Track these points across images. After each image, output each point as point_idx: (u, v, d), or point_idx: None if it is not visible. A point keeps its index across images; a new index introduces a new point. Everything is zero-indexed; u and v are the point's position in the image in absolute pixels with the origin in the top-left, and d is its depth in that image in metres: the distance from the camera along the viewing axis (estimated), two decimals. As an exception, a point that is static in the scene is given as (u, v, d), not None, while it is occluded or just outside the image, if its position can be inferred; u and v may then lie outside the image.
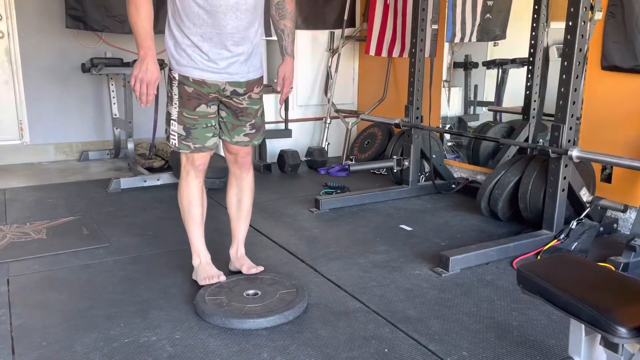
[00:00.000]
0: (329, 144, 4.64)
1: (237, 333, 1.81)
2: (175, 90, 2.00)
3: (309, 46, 4.67)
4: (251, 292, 2.04)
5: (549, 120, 2.84)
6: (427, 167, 3.66)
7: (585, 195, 2.65)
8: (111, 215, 3.12)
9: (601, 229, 2.72)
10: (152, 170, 4.15)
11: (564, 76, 2.45)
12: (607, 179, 2.88)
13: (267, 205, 3.30)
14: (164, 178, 3.82)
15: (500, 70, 4.70)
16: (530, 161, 2.82)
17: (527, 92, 3.95)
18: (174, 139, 2.05)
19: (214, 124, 2.08)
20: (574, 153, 2.41)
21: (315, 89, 4.77)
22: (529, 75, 3.95)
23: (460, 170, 3.83)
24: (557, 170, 2.52)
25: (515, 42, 4.67)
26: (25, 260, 2.42)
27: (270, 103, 4.52)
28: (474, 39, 4.39)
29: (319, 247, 2.62)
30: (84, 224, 2.91)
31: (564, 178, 2.54)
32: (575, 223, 2.58)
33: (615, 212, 2.75)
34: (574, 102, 2.46)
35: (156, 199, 3.48)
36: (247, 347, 1.72)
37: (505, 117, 4.62)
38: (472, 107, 4.94)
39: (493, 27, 4.70)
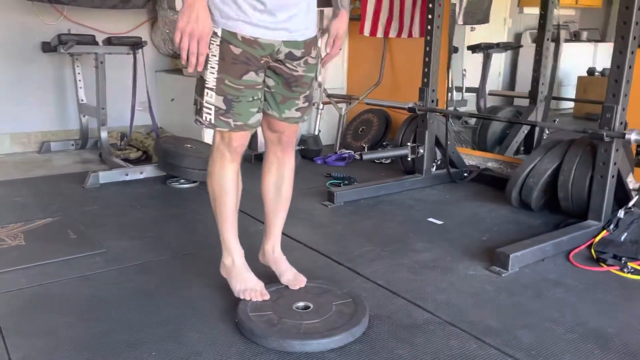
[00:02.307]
0: (320, 131, 4.32)
1: (298, 357, 1.49)
2: (216, 49, 1.58)
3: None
4: (301, 304, 1.71)
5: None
6: (438, 155, 3.41)
7: (632, 182, 2.48)
8: (96, 215, 2.69)
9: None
10: (128, 162, 3.70)
11: (620, 52, 2.24)
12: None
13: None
14: (148, 171, 3.39)
15: (485, 54, 4.54)
16: (569, 146, 2.62)
17: (535, 75, 3.79)
18: (209, 114, 1.63)
19: (260, 96, 1.67)
20: (633, 136, 2.22)
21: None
22: (537, 58, 3.78)
23: (469, 157, 3.61)
24: (609, 156, 2.33)
25: (491, 27, 4.54)
26: (6, 273, 1.99)
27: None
28: (460, 21, 4.20)
29: (351, 245, 2.31)
30: (67, 227, 2.48)
31: (614, 164, 2.35)
32: (623, 212, 2.40)
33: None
34: (627, 81, 2.26)
35: (143, 195, 3.07)
36: (320, 377, 1.41)
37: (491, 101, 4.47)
38: (452, 93, 4.73)
39: (477, 10, 4.54)
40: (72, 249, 2.21)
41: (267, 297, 1.75)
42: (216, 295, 1.85)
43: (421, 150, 3.16)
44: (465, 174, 3.35)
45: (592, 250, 2.25)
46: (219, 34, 1.57)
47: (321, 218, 2.69)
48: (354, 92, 4.38)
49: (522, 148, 3.79)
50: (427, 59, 3.12)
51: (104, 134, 3.71)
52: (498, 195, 3.01)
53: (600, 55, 5.07)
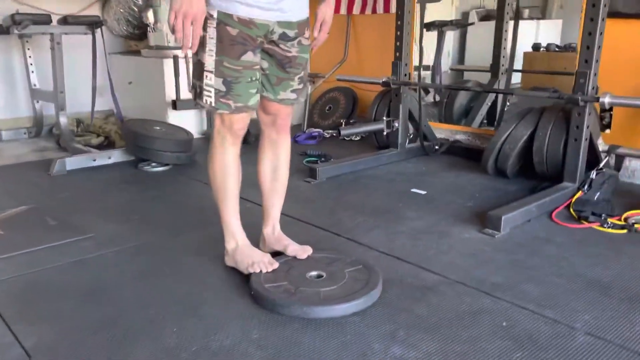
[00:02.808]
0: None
1: (323, 324, 1.49)
2: (213, 32, 1.58)
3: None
4: (314, 273, 1.71)
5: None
6: (410, 129, 3.47)
7: (601, 144, 2.62)
8: (72, 202, 2.57)
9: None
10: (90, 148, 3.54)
11: (591, 19, 2.35)
12: (606, 127, 2.88)
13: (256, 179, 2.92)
14: (116, 155, 3.27)
15: (439, 32, 4.64)
16: (542, 113, 2.73)
17: (496, 50, 3.92)
18: (209, 96, 1.63)
19: (258, 77, 1.68)
20: (606, 99, 2.34)
21: (267, 52, 4.37)
22: (497, 34, 3.90)
23: (438, 131, 3.69)
24: (583, 119, 2.45)
25: (440, 6, 4.65)
26: (-9, 263, 1.88)
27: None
28: (415, -1, 4.27)
29: (344, 218, 2.33)
30: (44, 214, 2.35)
31: (587, 127, 2.47)
32: (595, 173, 2.53)
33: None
34: (599, 47, 2.38)
35: (116, 179, 2.95)
36: (349, 339, 1.42)
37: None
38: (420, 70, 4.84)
39: (432, -12, 4.62)
40: (57, 236, 2.10)
41: (276, 265, 1.74)
42: (224, 272, 1.82)
43: (396, 124, 3.21)
44: (436, 147, 3.43)
45: (572, 210, 2.37)
46: (215, 16, 1.57)
47: (307, 194, 2.68)
48: (318, 71, 4.37)
49: (485, 120, 3.93)
50: (398, 33, 3.15)
51: (63, 119, 3.52)
52: (471, 165, 3.11)
53: (543, 32, 5.29)
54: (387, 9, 3.92)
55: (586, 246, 2.02)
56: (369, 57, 4.18)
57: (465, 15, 5.33)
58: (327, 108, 4.24)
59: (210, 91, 1.63)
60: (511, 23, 3.86)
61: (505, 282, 1.74)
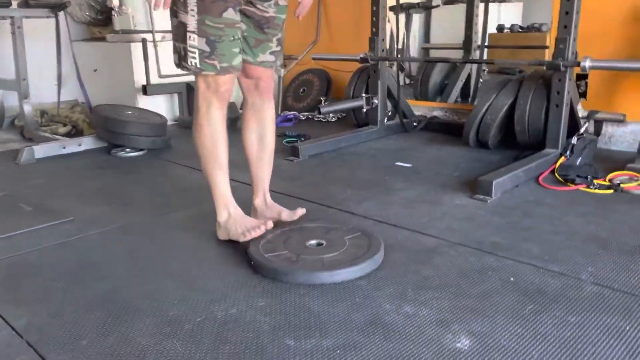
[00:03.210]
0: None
1: (329, 289, 1.45)
2: None
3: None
4: (313, 242, 1.67)
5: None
6: (388, 107, 3.45)
7: (580, 110, 2.65)
8: (46, 188, 2.44)
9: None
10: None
11: (570, -15, 2.37)
12: (582, 95, 2.93)
13: (238, 160, 2.85)
14: (87, 142, 3.13)
15: (406, 14, 4.66)
16: (521, 82, 2.75)
17: (467, 28, 3.95)
18: (194, 58, 1.58)
19: (240, 36, 1.64)
20: (587, 63, 2.37)
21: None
22: (468, 14, 3.94)
23: (415, 108, 3.68)
24: (563, 85, 2.47)
25: None
26: (-34, 249, 1.75)
27: (190, 52, 3.95)
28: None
29: (333, 192, 2.28)
30: (18, 200, 2.23)
31: (568, 92, 2.50)
32: (576, 139, 2.57)
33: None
34: (577, 12, 2.40)
35: (90, 166, 2.83)
36: (358, 301, 1.38)
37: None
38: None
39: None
40: (35, 220, 1.99)
41: (271, 225, 1.70)
42: (218, 246, 1.75)
43: (375, 101, 3.18)
44: (415, 124, 3.42)
45: (557, 175, 2.39)
46: None
47: (292, 172, 2.63)
48: (291, 53, 4.30)
49: (459, 99, 3.96)
50: (374, 8, 3.12)
51: (27, 108, 3.36)
52: (451, 139, 3.12)
53: (505, 14, 5.38)
54: None
55: (577, 206, 2.04)
56: (341, 38, 4.13)
57: (425, 2, 5.39)
58: (301, 90, 4.18)
59: (194, 52, 1.58)
60: (480, 5, 3.93)
61: (505, 242, 1.73)
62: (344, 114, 4.04)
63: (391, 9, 4.71)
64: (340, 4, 4.14)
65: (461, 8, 5.26)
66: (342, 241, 1.66)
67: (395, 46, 3.48)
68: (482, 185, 2.15)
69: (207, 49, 1.57)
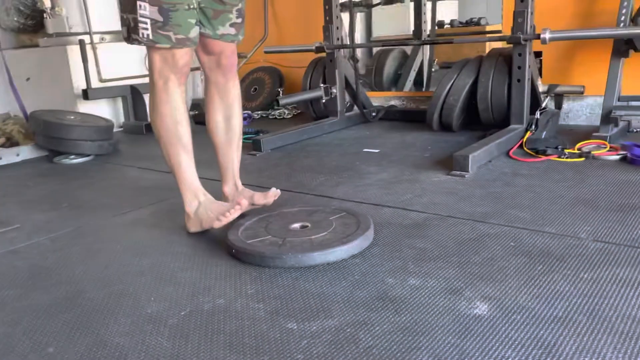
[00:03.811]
0: (207, 97, 4.04)
1: (322, 270, 1.32)
2: None
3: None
4: (297, 225, 1.54)
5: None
6: (346, 98, 3.36)
7: (540, 86, 2.66)
8: (-18, 199, 2.19)
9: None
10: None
11: (525, -42, 2.37)
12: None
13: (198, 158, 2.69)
14: (26, 152, 2.87)
15: (350, 12, 4.66)
16: (481, 61, 2.73)
17: (417, 23, 3.96)
18: (145, 28, 1.42)
19: (195, 5, 1.50)
20: (547, 35, 2.36)
21: (181, 36, 4.08)
22: (417, 9, 3.95)
23: (371, 99, 3.63)
24: (524, 59, 2.46)
25: None
26: None
27: (134, 55, 3.74)
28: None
29: (304, 179, 2.16)
30: (-49, 213, 1.97)
31: (529, 67, 2.50)
32: (539, 113, 2.57)
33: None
34: (533, -14, 2.41)
35: (31, 175, 2.58)
36: (358, 279, 1.26)
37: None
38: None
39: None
40: (-27, 231, 1.76)
41: (245, 204, 1.56)
42: (190, 239, 1.59)
43: (334, 91, 3.09)
44: (374, 114, 3.36)
45: (526, 149, 2.37)
46: None
47: (257, 165, 2.48)
48: (240, 51, 4.15)
49: (413, 87, 3.95)
50: (326, -4, 3.05)
51: (-45, 120, 3.05)
52: (413, 126, 3.07)
53: (442, 11, 5.51)
54: None
55: (553, 174, 2.00)
56: (290, 33, 4.03)
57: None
58: (252, 89, 4.04)
59: (146, 22, 1.42)
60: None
61: (494, 211, 1.66)
62: (299, 111, 3.95)
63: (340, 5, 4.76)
64: (288, 0, 4.04)
65: (399, 7, 5.38)
66: (328, 222, 1.54)
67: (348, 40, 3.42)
68: (458, 160, 2.09)
69: (160, 18, 1.42)
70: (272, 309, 1.15)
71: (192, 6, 1.47)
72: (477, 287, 1.19)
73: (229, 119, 1.70)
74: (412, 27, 4.92)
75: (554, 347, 0.95)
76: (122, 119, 3.66)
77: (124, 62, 3.66)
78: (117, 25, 3.79)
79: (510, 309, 1.09)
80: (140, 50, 3.76)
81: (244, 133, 3.14)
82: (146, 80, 3.71)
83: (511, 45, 2.51)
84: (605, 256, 1.30)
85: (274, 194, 1.70)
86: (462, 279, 1.23)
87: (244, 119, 3.66)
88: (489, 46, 4.84)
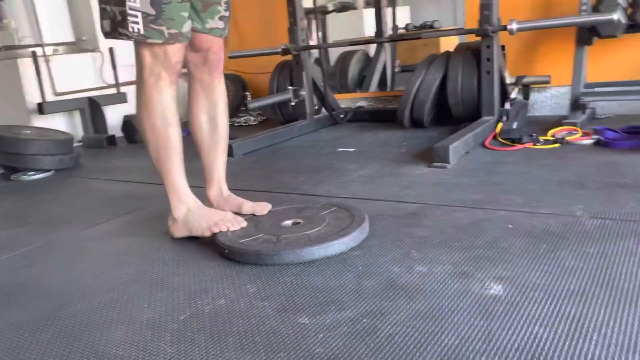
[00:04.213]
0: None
1: (323, 264, 1.26)
2: None
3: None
4: (289, 222, 1.47)
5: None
6: (314, 101, 3.33)
7: (508, 77, 2.69)
8: (-64, 221, 2.02)
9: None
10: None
11: (488, -47, 2.40)
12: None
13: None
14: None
15: (307, 18, 4.67)
16: (449, 56, 2.75)
17: (378, 22, 3.96)
18: (136, 22, 1.33)
19: None
20: (514, 26, 2.40)
21: (138, 46, 3.95)
22: (378, 12, 3.95)
23: (338, 101, 3.61)
24: (492, 51, 2.49)
25: None
26: None
27: (88, 66, 3.60)
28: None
29: (285, 180, 2.10)
30: None
31: (496, 58, 2.52)
32: (508, 104, 2.60)
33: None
34: (497, -21, 2.44)
35: (-13, 193, 2.41)
36: (363, 270, 1.21)
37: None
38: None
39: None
40: None
41: (244, 224, 1.47)
42: (175, 244, 1.50)
43: (303, 93, 3.04)
44: (342, 115, 3.33)
45: (500, 138, 2.38)
46: None
47: (231, 170, 2.28)
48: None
49: (378, 88, 3.95)
50: (290, -3, 3.01)
51: None
52: (384, 125, 3.07)
53: (399, 16, 5.64)
54: None
55: (534, 160, 2.02)
56: (251, 40, 3.98)
57: (323, 6, 5.49)
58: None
59: (136, 16, 1.33)
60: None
61: (485, 197, 1.65)
62: (264, 117, 3.88)
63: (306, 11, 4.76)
64: (248, 6, 3.99)
65: (352, 14, 5.44)
66: (320, 217, 1.48)
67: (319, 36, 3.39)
68: (439, 152, 2.08)
69: (152, 11, 1.33)
70: (279, 306, 1.08)
71: None
72: (486, 269, 1.16)
73: (214, 119, 1.61)
74: (366, 32, 4.99)
75: (580, 320, 0.93)
76: (80, 133, 3.50)
77: (79, 75, 3.51)
78: (71, 36, 3.66)
79: (526, 287, 1.06)
80: (96, 62, 3.62)
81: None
82: (104, 92, 3.59)
83: (478, 39, 2.54)
84: (606, 231, 1.30)
85: (266, 207, 1.60)
86: (470, 263, 1.20)
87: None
88: (442, 47, 4.98)
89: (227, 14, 1.55)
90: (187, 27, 1.41)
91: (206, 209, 1.53)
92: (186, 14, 1.40)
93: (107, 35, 1.40)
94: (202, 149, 1.64)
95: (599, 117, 2.71)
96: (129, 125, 3.37)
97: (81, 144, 3.46)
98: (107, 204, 2.04)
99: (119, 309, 1.14)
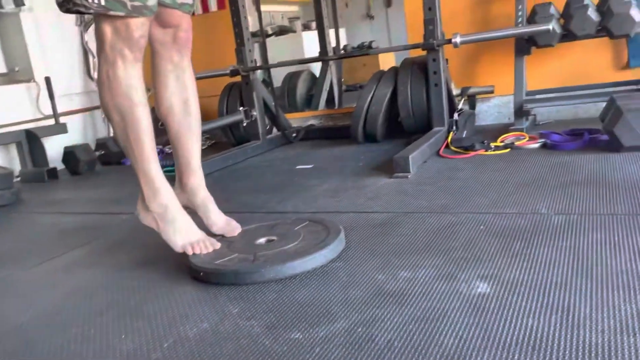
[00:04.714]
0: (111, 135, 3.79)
1: (305, 278, 1.23)
2: None
3: (54, 22, 3.67)
4: (262, 240, 1.44)
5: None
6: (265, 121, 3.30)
7: (454, 89, 2.78)
8: None
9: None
10: None
11: (430, -27, 2.49)
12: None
13: (118, 196, 2.48)
14: None
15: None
16: (397, 71, 2.81)
17: (322, 43, 4.00)
18: None
19: None
20: (458, 39, 2.48)
21: (75, 74, 3.81)
22: (321, 33, 4.00)
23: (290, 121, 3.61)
24: (438, 64, 2.57)
25: None
26: None
27: (23, 97, 3.43)
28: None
29: (247, 200, 2.06)
30: None
31: (443, 71, 2.61)
32: (457, 115, 2.68)
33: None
34: (439, -4, 2.53)
35: None
36: (346, 280, 1.19)
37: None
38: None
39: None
40: None
41: (217, 246, 1.42)
42: (144, 269, 1.43)
43: (254, 113, 3.02)
44: (294, 134, 3.33)
45: (453, 147, 2.45)
46: None
47: (187, 193, 2.33)
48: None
49: (325, 106, 3.98)
50: (235, 19, 3.00)
51: None
52: (336, 142, 3.08)
53: (332, 38, 5.79)
54: (221, 5, 3.75)
55: (489, 165, 2.08)
56: (195, 64, 3.91)
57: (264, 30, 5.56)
58: (160, 123, 3.84)
59: None
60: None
61: (451, 202, 1.68)
62: (213, 141, 3.82)
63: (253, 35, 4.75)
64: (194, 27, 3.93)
65: (292, 37, 5.50)
66: (295, 232, 1.45)
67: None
68: (399, 162, 2.10)
69: None
70: (268, 324, 1.04)
71: None
72: (468, 269, 1.17)
73: (185, 100, 1.51)
74: (306, 54, 5.05)
75: (570, 309, 0.95)
76: (18, 167, 3.30)
77: (14, 106, 3.34)
78: (3, 67, 3.48)
79: (510, 283, 1.08)
80: (32, 92, 3.46)
81: (166, 167, 2.99)
82: (42, 123, 3.43)
83: (422, 54, 2.62)
84: (573, 225, 1.34)
85: (237, 229, 1.53)
86: (451, 264, 1.20)
87: (157, 153, 3.47)
88: (381, 66, 5.12)
89: None
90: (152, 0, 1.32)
91: (184, 218, 1.42)
92: None
93: (61, 6, 1.30)
94: (175, 134, 1.52)
95: (540, 122, 2.84)
96: (71, 156, 3.22)
97: (19, 178, 3.27)
98: (58, 238, 1.93)
99: (94, 341, 1.06)
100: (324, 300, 1.11)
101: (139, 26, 1.30)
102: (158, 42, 1.47)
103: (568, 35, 2.51)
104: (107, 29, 1.29)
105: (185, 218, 1.43)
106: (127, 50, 1.30)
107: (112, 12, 1.26)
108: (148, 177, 1.38)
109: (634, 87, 2.55)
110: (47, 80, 3.41)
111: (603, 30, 2.44)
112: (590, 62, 2.82)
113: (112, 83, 1.31)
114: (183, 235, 1.40)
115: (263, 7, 5.20)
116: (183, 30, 1.46)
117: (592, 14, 2.43)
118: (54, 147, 3.38)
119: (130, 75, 1.31)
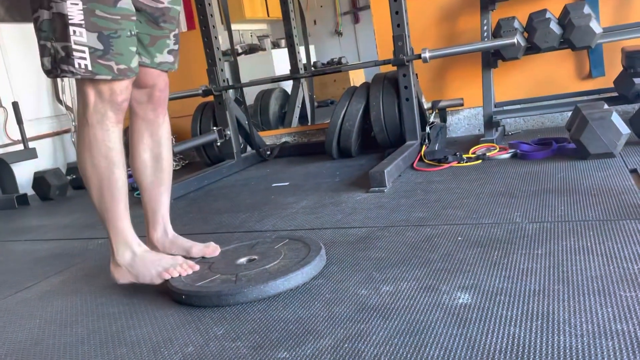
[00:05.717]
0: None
1: (289, 296, 1.24)
2: None
3: (21, 43, 3.62)
4: (243, 260, 1.44)
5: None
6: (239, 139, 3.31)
7: (425, 102, 2.84)
8: None
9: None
10: None
11: (397, -11, 2.55)
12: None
13: (90, 221, 2.43)
14: None
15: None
16: (368, 86, 2.85)
17: (292, 60, 4.05)
18: (83, 58, 1.26)
19: (135, 32, 1.37)
20: (427, 54, 2.54)
21: (43, 97, 3.75)
22: (291, 51, 4.04)
23: (265, 138, 3.61)
24: (409, 79, 2.62)
25: None
26: None
27: (-10, 122, 3.36)
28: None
29: (224, 220, 2.06)
30: None
31: (414, 85, 2.66)
32: (428, 128, 2.73)
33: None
34: (405, 11, 2.59)
35: None
36: (330, 297, 1.20)
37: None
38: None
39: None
40: None
41: (196, 267, 1.42)
42: (122, 296, 1.41)
43: (228, 132, 3.02)
44: (269, 152, 3.34)
45: (426, 160, 2.49)
46: None
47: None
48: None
49: (298, 123, 4.01)
50: (206, 39, 3.01)
51: None
52: (311, 158, 3.11)
53: (302, 55, 5.86)
54: (191, 25, 3.76)
55: (462, 177, 2.13)
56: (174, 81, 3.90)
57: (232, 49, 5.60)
58: (132, 146, 3.81)
59: (84, 51, 1.25)
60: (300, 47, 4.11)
61: (428, 214, 1.71)
62: (186, 161, 3.81)
63: (224, 53, 4.76)
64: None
65: (262, 55, 5.54)
66: (275, 250, 1.46)
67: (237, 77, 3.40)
68: (375, 177, 2.13)
69: (100, 46, 1.27)
70: (254, 344, 1.04)
71: (132, 33, 1.34)
72: (449, 280, 1.19)
73: (157, 155, 1.55)
74: (276, 72, 5.09)
75: (549, 315, 0.97)
76: (-18, 197, 3.23)
77: (-20, 133, 3.27)
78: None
79: (491, 292, 1.10)
80: None
81: (135, 189, 2.96)
82: (11, 149, 3.36)
83: (393, 69, 2.67)
84: (547, 232, 1.38)
85: (216, 250, 1.55)
86: (432, 277, 1.22)
87: (129, 176, 3.43)
88: (352, 82, 5.19)
89: (176, 47, 1.52)
90: (135, 62, 1.35)
91: (153, 253, 1.45)
92: (134, 49, 1.35)
93: (49, 73, 1.31)
94: (145, 190, 1.57)
95: (509, 133, 2.92)
96: (41, 181, 3.16)
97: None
98: (33, 266, 1.89)
99: (76, 372, 1.05)
100: (308, 317, 1.12)
101: (122, 90, 1.33)
102: (135, 101, 1.50)
103: (532, 48, 2.60)
104: (91, 93, 1.31)
105: (156, 254, 1.45)
106: (110, 112, 1.33)
107: (98, 77, 1.28)
108: (119, 231, 1.42)
109: (597, 96, 2.65)
110: (15, 105, 3.35)
111: (565, 42, 2.53)
112: (554, 73, 2.92)
113: (92, 144, 1.33)
114: (156, 265, 1.40)
115: (233, 26, 5.25)
116: (159, 90, 1.50)
117: (554, 27, 2.52)
118: (23, 173, 3.32)
119: (110, 138, 1.34)
